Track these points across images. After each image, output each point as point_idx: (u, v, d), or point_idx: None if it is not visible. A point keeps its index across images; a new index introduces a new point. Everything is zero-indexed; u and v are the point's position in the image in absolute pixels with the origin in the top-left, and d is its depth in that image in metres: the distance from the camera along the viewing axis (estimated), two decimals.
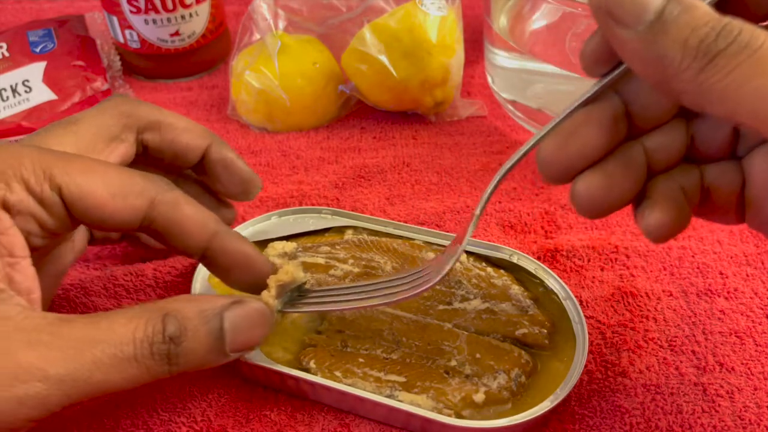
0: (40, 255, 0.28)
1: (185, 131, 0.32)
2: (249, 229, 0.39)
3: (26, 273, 0.25)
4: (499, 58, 0.50)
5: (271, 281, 0.29)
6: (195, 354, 0.24)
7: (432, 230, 0.38)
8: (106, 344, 0.22)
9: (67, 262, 0.32)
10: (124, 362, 0.22)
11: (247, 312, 0.26)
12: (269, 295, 0.29)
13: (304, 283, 0.31)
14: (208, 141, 0.33)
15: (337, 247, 0.38)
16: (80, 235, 0.33)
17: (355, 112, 0.52)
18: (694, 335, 0.35)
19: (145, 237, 0.36)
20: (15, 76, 0.51)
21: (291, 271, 0.30)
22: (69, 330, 0.22)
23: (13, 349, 0.21)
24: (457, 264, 0.36)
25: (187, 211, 0.27)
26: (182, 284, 0.37)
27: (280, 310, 0.30)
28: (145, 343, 0.23)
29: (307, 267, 0.36)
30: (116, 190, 0.26)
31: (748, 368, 0.33)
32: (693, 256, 0.39)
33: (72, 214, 0.26)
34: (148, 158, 0.33)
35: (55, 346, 0.22)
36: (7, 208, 0.24)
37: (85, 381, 0.22)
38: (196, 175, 0.35)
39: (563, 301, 0.34)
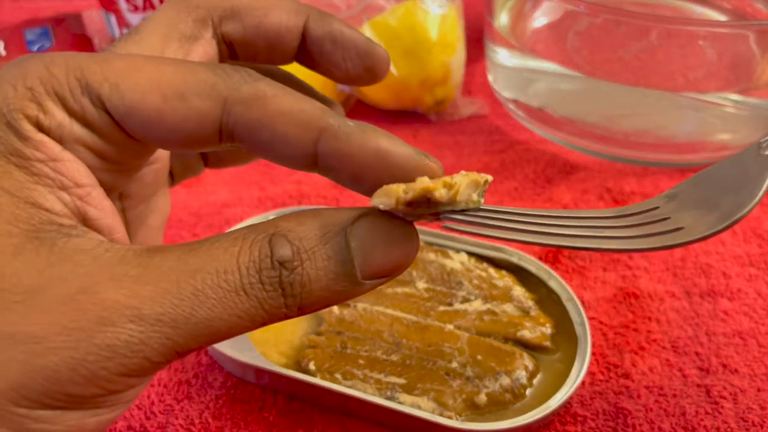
0: (132, 201, 0.25)
1: (271, 9, 0.25)
2: None
3: (101, 206, 0.20)
4: (500, 56, 0.50)
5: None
6: (316, 283, 0.19)
7: (432, 230, 0.38)
8: (206, 273, 0.18)
9: (167, 211, 0.27)
10: (231, 295, 0.18)
11: (381, 224, 0.20)
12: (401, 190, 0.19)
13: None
14: (303, 16, 0.25)
15: None
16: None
17: (355, 111, 0.52)
18: (697, 336, 0.34)
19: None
20: None
21: (457, 183, 0.19)
22: (162, 260, 0.18)
23: (94, 286, 0.17)
24: (458, 265, 0.35)
25: (275, 107, 0.19)
26: None
27: (444, 216, 0.20)
28: (252, 270, 0.18)
29: None
30: (171, 90, 0.19)
31: (752, 369, 0.33)
32: (696, 257, 0.38)
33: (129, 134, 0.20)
34: (238, 58, 0.26)
35: (146, 279, 0.18)
36: (46, 133, 0.19)
37: (187, 320, 0.18)
38: (306, 66, 0.27)
39: (565, 302, 0.33)
